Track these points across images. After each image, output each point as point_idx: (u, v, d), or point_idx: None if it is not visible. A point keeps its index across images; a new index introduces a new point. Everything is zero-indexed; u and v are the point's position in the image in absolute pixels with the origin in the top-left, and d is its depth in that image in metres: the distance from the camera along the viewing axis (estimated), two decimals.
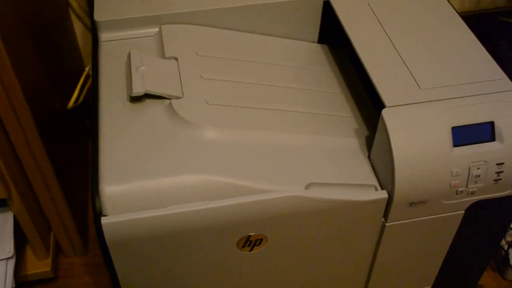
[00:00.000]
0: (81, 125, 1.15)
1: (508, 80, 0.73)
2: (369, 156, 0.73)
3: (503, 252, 1.02)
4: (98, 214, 0.63)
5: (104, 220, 0.62)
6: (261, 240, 0.69)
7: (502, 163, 0.69)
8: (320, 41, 0.90)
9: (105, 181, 0.64)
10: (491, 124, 0.69)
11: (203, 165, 0.66)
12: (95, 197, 0.63)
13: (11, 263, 0.86)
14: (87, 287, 0.98)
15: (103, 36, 0.82)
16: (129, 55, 0.76)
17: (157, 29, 0.82)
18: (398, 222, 0.72)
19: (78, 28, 1.13)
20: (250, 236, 0.68)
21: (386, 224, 0.72)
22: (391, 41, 0.77)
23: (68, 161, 0.98)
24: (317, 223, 0.70)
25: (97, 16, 0.81)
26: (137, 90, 0.70)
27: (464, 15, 0.84)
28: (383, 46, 0.77)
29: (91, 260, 1.01)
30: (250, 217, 0.66)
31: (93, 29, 0.83)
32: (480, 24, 1.11)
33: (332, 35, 0.88)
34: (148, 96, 0.72)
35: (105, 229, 0.62)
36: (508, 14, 1.24)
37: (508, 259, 1.01)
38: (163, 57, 0.78)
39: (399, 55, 0.75)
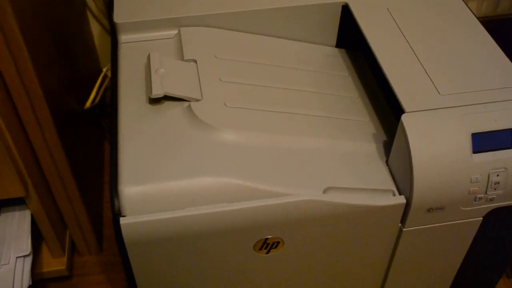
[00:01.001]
0: (97, 125, 1.16)
1: None
2: (387, 161, 0.73)
3: None
4: (117, 214, 0.63)
5: (123, 221, 0.62)
6: (278, 243, 0.69)
7: None
8: (338, 45, 0.90)
9: (125, 182, 0.64)
10: (511, 131, 0.68)
11: (221, 168, 0.66)
12: (114, 197, 0.63)
13: (28, 261, 0.86)
14: (101, 285, 0.99)
15: (123, 38, 0.82)
16: (148, 57, 0.76)
17: (176, 32, 0.83)
18: (416, 227, 0.72)
19: (95, 29, 1.14)
20: (267, 239, 0.68)
21: (403, 229, 0.72)
22: (410, 46, 0.77)
23: (84, 161, 0.99)
24: (334, 227, 0.69)
25: (116, 18, 0.82)
26: (157, 92, 0.71)
27: (482, 20, 0.83)
28: (402, 51, 0.76)
29: (106, 259, 1.02)
30: (267, 220, 0.66)
31: (112, 31, 0.83)
32: (498, 29, 1.11)
33: (350, 40, 0.88)
34: (167, 98, 0.72)
35: (123, 230, 0.63)
36: None
37: None
38: (182, 59, 0.78)
39: (418, 60, 0.75)
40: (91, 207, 0.98)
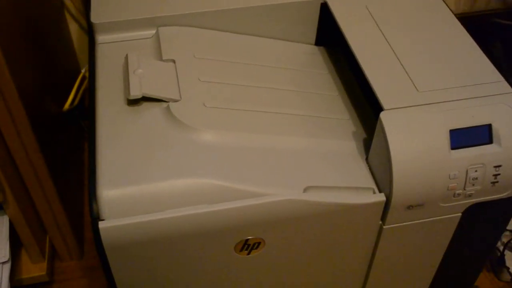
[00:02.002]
0: (76, 128, 1.14)
1: (506, 82, 0.73)
2: (367, 159, 0.73)
3: (499, 253, 1.02)
4: (96, 218, 0.62)
5: (101, 225, 0.62)
6: (259, 243, 0.69)
7: (500, 166, 0.69)
8: (318, 43, 0.90)
9: (103, 185, 0.63)
10: (489, 126, 0.69)
11: (201, 169, 0.66)
12: (92, 201, 0.63)
13: (7, 268, 0.85)
14: None
15: (100, 38, 0.81)
16: (126, 58, 0.75)
17: (154, 31, 0.82)
18: (396, 225, 0.72)
19: (74, 29, 1.13)
20: (248, 239, 0.68)
21: (384, 227, 0.72)
22: (388, 43, 0.77)
23: (64, 164, 0.98)
24: (315, 226, 0.69)
25: (94, 18, 0.81)
26: (135, 93, 0.70)
27: (460, 16, 0.84)
28: (380, 48, 0.76)
29: (87, 264, 1.01)
30: (247, 220, 0.65)
31: (90, 31, 0.82)
32: (475, 25, 1.12)
33: (330, 37, 0.88)
34: (145, 99, 0.72)
35: (102, 234, 0.62)
36: (502, 16, 1.25)
37: (504, 260, 1.02)
38: (161, 59, 0.77)
39: (397, 57, 0.75)
40: (71, 210, 0.97)
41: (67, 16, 1.11)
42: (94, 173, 0.65)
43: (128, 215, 0.62)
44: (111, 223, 0.62)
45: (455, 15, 0.83)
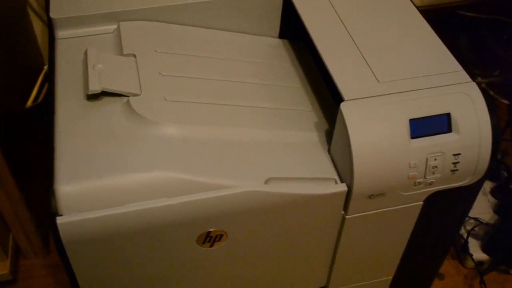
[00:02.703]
0: (41, 125, 1.13)
1: (464, 72, 0.74)
2: (329, 150, 0.74)
3: (463, 241, 1.04)
4: (53, 213, 0.61)
5: (59, 220, 0.61)
6: (221, 236, 0.69)
7: (459, 154, 0.70)
8: (281, 36, 0.90)
9: (60, 180, 0.62)
10: (448, 115, 0.70)
11: (161, 162, 0.65)
12: (50, 196, 0.62)
13: None
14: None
15: (60, 33, 0.80)
16: (85, 53, 0.74)
17: (115, 26, 0.81)
18: (358, 214, 0.73)
19: (38, 25, 1.11)
20: (210, 232, 0.68)
21: (346, 216, 0.73)
22: (350, 35, 0.78)
23: (27, 161, 0.96)
24: (277, 217, 0.70)
25: (53, 13, 0.80)
26: (94, 88, 0.69)
27: (425, 9, 0.85)
28: (342, 40, 0.77)
29: (53, 261, 1.00)
30: (208, 213, 0.65)
31: (50, 27, 0.81)
32: (440, 18, 1.13)
33: (293, 30, 0.88)
34: (105, 94, 0.71)
35: (60, 229, 0.61)
36: (467, 8, 1.26)
37: (468, 248, 1.03)
38: (121, 54, 0.77)
39: (358, 49, 0.76)
40: (35, 208, 0.95)
41: (30, 12, 1.09)
42: (52, 168, 0.64)
43: (87, 210, 0.62)
44: (69, 218, 0.61)
45: (421, 7, 0.84)
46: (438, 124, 0.70)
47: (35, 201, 0.96)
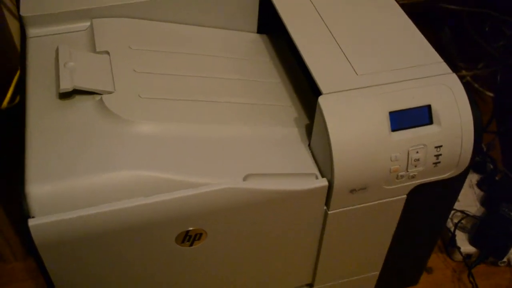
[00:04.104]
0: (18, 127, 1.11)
1: (444, 63, 0.73)
2: (309, 145, 0.72)
3: (450, 234, 1.03)
4: (25, 216, 0.60)
5: (31, 222, 0.59)
6: (201, 234, 0.67)
7: (441, 146, 0.69)
8: (260, 31, 0.88)
9: (32, 181, 0.61)
10: (428, 107, 0.69)
11: (136, 161, 0.64)
12: (21, 198, 0.60)
13: None
14: None
15: (31, 31, 0.78)
16: (57, 50, 0.72)
17: (88, 23, 0.79)
18: (341, 209, 0.72)
19: (13, 25, 1.09)
20: (188, 231, 0.66)
21: (329, 212, 0.71)
22: (328, 28, 0.77)
23: (3, 163, 0.94)
24: (258, 215, 0.68)
25: (23, 11, 0.78)
26: (65, 86, 0.67)
27: (407, 2, 0.84)
28: (320, 33, 0.76)
29: (34, 265, 0.97)
30: (186, 211, 0.64)
31: (21, 25, 0.79)
32: (424, 11, 1.12)
33: (271, 25, 0.87)
34: (78, 92, 0.69)
35: (33, 232, 0.59)
36: (449, 1, 1.26)
37: (455, 241, 1.03)
38: (95, 51, 0.75)
39: (336, 42, 0.75)
40: (14, 210, 0.93)
41: (5, 11, 1.07)
42: (23, 169, 0.62)
43: (60, 211, 0.60)
44: (41, 220, 0.59)
45: (403, 1, 0.83)
46: (418, 116, 0.69)
47: (12, 204, 0.94)
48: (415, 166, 0.70)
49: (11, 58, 1.09)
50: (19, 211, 1.03)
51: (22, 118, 0.68)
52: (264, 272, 0.79)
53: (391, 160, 0.68)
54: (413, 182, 0.72)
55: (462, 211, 1.05)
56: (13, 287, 0.95)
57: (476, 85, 1.32)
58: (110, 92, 0.69)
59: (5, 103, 0.96)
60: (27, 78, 0.73)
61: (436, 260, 1.05)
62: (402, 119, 0.68)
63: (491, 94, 1.31)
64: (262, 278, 0.80)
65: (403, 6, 0.81)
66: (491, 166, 1.15)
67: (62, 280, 0.67)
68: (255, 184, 0.65)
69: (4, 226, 0.90)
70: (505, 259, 1.04)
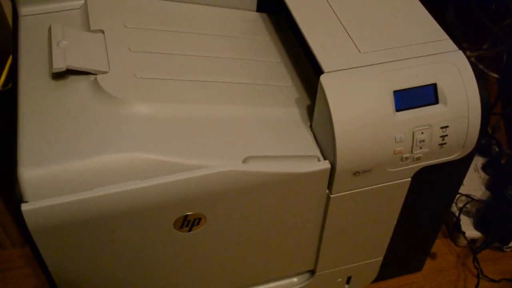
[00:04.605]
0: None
1: (450, 40, 0.70)
2: (311, 126, 0.70)
3: (454, 219, 1.01)
4: (18, 200, 0.58)
5: (24, 207, 0.57)
6: (200, 219, 0.65)
7: (447, 126, 0.67)
8: (259, 9, 0.86)
9: (25, 164, 0.59)
10: (434, 86, 0.66)
11: (132, 143, 0.62)
12: (14, 182, 0.58)
13: None
14: (27, 279, 0.93)
15: (23, 10, 0.76)
16: (49, 29, 0.70)
17: (82, 1, 0.77)
18: (344, 193, 0.70)
19: (7, 6, 1.07)
20: (187, 216, 0.64)
21: (331, 195, 0.69)
22: (330, 5, 0.74)
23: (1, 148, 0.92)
24: (258, 198, 0.66)
25: None
26: (58, 65, 0.65)
27: None
28: (321, 11, 0.73)
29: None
30: (184, 195, 0.62)
31: (13, 3, 0.77)
32: None
33: (271, 3, 0.84)
34: (72, 72, 0.67)
35: (26, 216, 0.57)
36: None
37: (460, 225, 1.01)
38: (89, 30, 0.72)
39: (338, 19, 0.72)
40: (10, 196, 0.92)
41: None
42: (16, 152, 0.60)
43: (54, 195, 0.58)
44: (35, 205, 0.57)
45: None
46: (424, 95, 0.67)
47: (9, 189, 0.92)
48: (420, 148, 0.68)
49: (4, 41, 1.07)
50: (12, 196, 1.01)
51: (14, 99, 0.65)
52: (264, 258, 0.77)
53: (396, 141, 0.66)
54: (418, 164, 0.70)
55: (467, 195, 1.03)
56: (10, 274, 0.93)
57: (480, 66, 1.30)
58: (104, 72, 0.67)
59: None
60: (19, 59, 0.70)
61: (440, 245, 1.03)
62: (407, 99, 0.66)
63: (496, 75, 1.29)
64: (262, 264, 0.78)
65: None
66: (497, 149, 1.13)
67: (57, 266, 0.65)
68: (255, 167, 0.63)
69: (1, 213, 0.89)
70: (510, 244, 1.03)
